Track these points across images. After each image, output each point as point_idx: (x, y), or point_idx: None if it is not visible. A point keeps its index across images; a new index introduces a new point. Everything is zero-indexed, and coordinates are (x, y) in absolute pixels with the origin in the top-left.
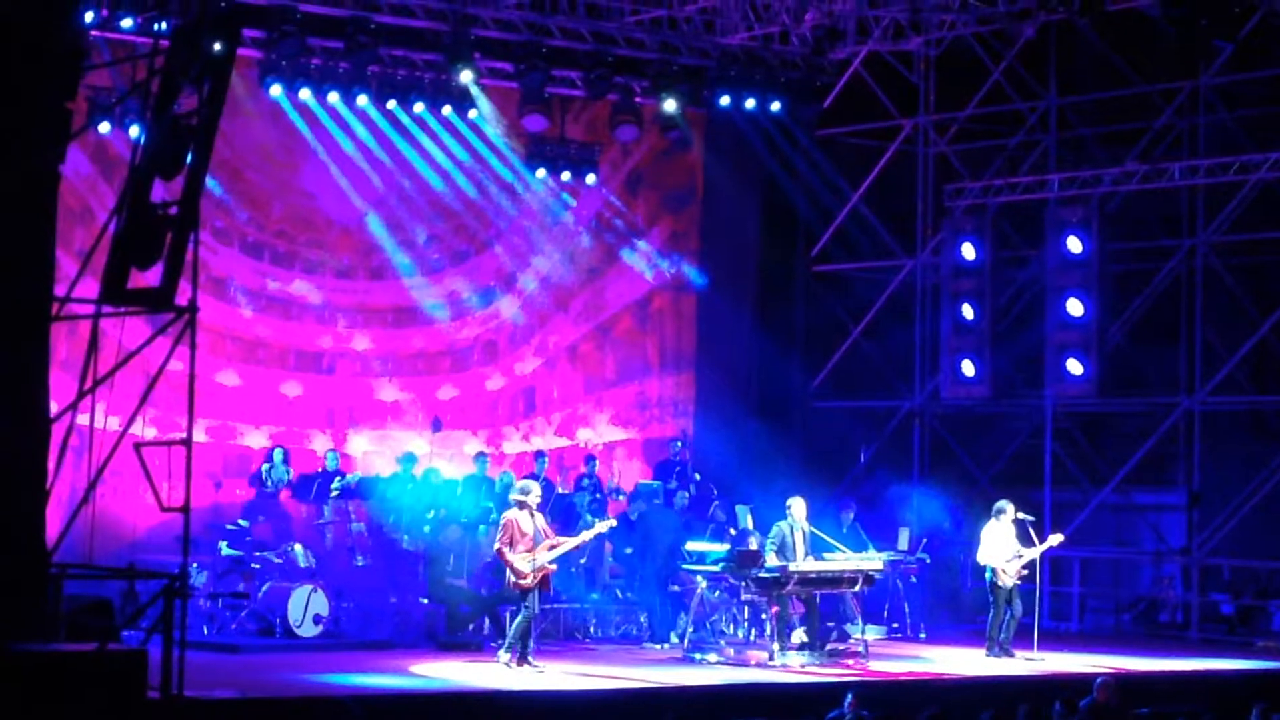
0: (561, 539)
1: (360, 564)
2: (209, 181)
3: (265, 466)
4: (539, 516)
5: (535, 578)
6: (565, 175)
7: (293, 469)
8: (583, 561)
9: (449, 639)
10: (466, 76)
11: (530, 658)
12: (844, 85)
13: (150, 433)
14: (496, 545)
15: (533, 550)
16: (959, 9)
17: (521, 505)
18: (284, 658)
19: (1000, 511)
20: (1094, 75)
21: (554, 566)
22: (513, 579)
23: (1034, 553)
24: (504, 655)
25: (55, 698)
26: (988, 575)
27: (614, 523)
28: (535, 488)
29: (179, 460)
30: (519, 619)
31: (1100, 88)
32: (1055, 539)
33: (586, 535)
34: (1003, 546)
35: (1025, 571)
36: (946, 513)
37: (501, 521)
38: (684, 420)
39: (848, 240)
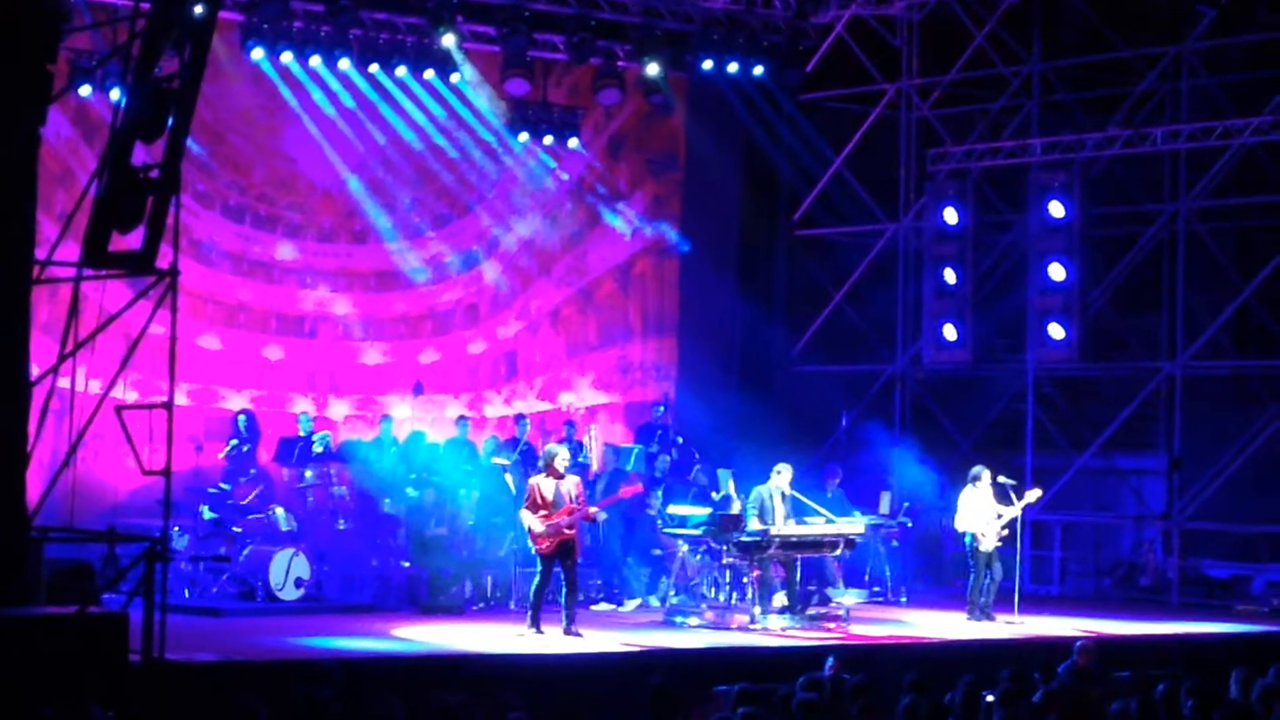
0: (587, 507)
1: (342, 527)
2: (190, 144)
3: (233, 442)
4: (569, 480)
5: (551, 542)
6: (547, 139)
7: (260, 428)
8: None
9: (430, 602)
10: (449, 40)
11: (572, 626)
12: (827, 49)
13: (131, 396)
14: (521, 509)
15: (552, 516)
16: None
17: (548, 470)
18: (265, 621)
19: (976, 478)
20: (1077, 39)
21: (572, 532)
22: (531, 543)
23: (1014, 511)
24: (526, 626)
25: (35, 661)
26: (967, 540)
27: (640, 488)
28: (563, 452)
29: (160, 423)
30: (534, 584)
31: (1083, 52)
32: (1033, 495)
33: (613, 499)
34: (981, 511)
35: (1006, 532)
36: (931, 478)
37: (527, 486)
38: (666, 384)
39: (830, 204)
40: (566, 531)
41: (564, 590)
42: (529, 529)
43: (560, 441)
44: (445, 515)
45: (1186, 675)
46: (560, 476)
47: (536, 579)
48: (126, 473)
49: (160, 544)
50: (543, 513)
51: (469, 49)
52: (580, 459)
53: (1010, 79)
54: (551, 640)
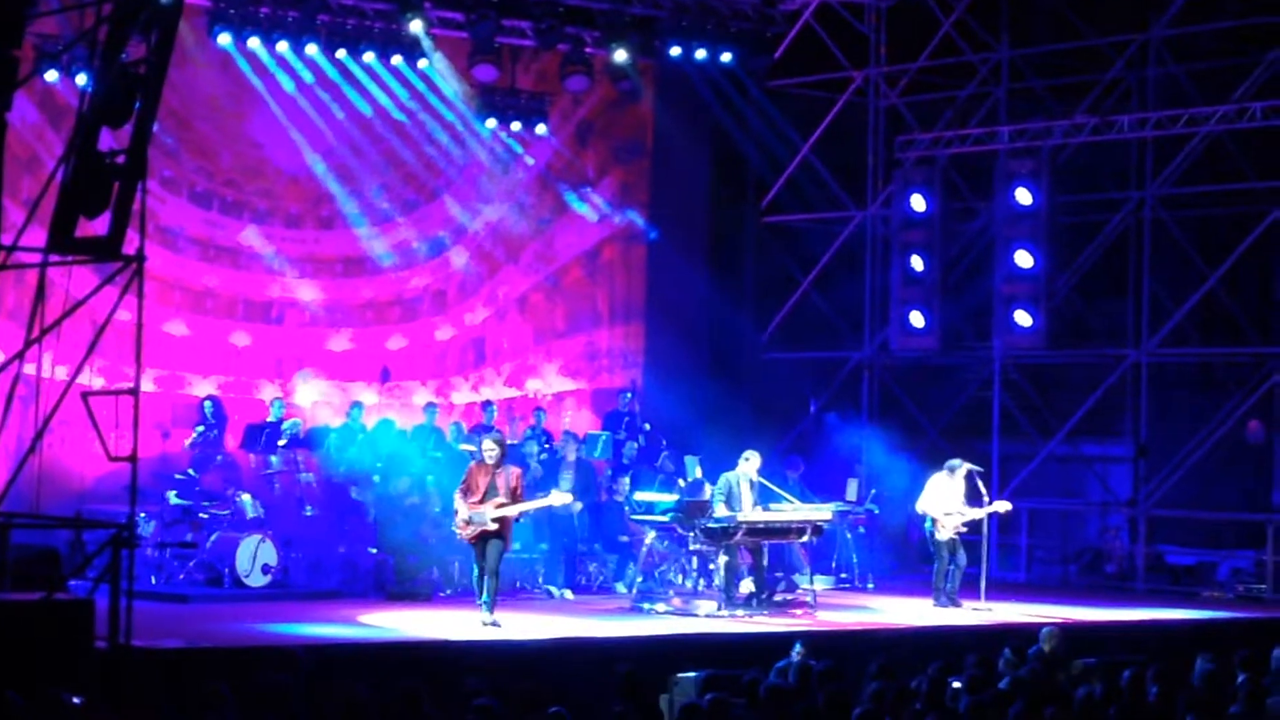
0: (520, 503)
1: (309, 514)
2: (157, 130)
3: (200, 429)
4: (504, 473)
5: (474, 530)
6: (515, 125)
7: (227, 414)
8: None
9: (397, 589)
10: (416, 26)
11: (491, 614)
12: (795, 36)
13: (98, 382)
14: (456, 492)
15: (481, 505)
16: None
17: (481, 459)
18: (232, 608)
19: (952, 468)
20: (1045, 27)
21: (494, 526)
22: (455, 528)
23: (979, 513)
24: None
25: (1, 647)
26: (927, 525)
27: (569, 498)
28: (496, 447)
29: (126, 410)
30: (473, 575)
31: (1051, 40)
32: (1002, 506)
33: (536, 504)
34: (944, 499)
35: (964, 529)
36: (899, 465)
37: (466, 469)
38: (633, 371)
39: (798, 191)
40: (490, 525)
41: (484, 576)
42: (457, 513)
43: (528, 429)
44: (412, 503)
45: (1152, 661)
46: (494, 470)
47: (475, 569)
48: (93, 459)
49: (127, 530)
50: (472, 500)
51: (437, 35)
52: (545, 446)
53: (978, 66)
54: (518, 626)
